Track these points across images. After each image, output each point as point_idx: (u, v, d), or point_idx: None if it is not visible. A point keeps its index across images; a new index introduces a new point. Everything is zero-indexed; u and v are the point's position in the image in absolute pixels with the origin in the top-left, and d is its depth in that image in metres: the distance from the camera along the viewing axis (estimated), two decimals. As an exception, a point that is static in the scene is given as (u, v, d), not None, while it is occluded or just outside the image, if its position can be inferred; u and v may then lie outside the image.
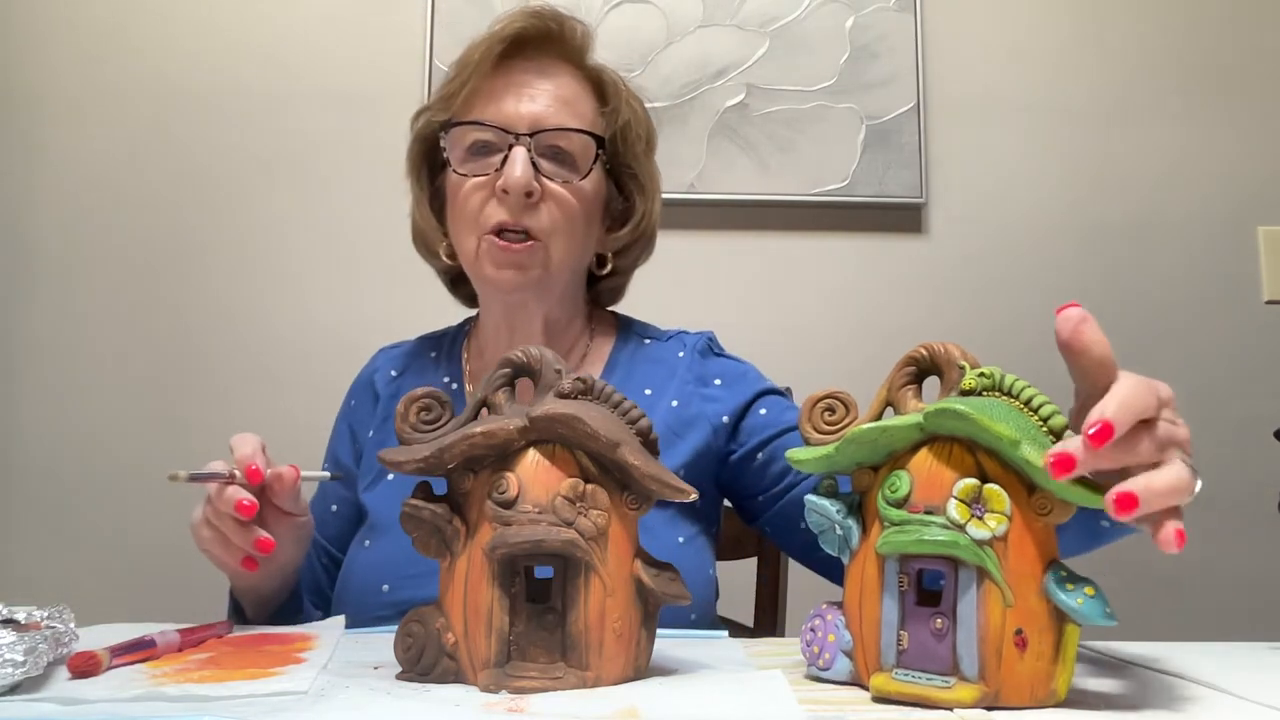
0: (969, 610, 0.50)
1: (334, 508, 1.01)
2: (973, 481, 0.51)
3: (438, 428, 0.60)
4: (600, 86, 0.99)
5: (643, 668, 0.58)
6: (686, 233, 1.75)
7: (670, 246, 1.79)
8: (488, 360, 1.01)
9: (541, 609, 0.55)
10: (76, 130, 1.77)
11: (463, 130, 0.94)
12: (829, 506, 0.56)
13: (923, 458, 0.53)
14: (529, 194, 0.90)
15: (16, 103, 1.78)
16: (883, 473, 0.55)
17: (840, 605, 0.57)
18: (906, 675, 0.51)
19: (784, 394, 1.01)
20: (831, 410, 0.59)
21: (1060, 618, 0.50)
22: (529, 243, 0.91)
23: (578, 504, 0.55)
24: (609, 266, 1.02)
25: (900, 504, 0.52)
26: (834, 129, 1.77)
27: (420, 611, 0.57)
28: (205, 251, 1.76)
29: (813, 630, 0.57)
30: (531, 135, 0.92)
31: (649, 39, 1.78)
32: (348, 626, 0.77)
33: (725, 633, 0.77)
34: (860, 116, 1.77)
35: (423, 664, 0.56)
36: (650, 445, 0.61)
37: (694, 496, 0.58)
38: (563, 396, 0.59)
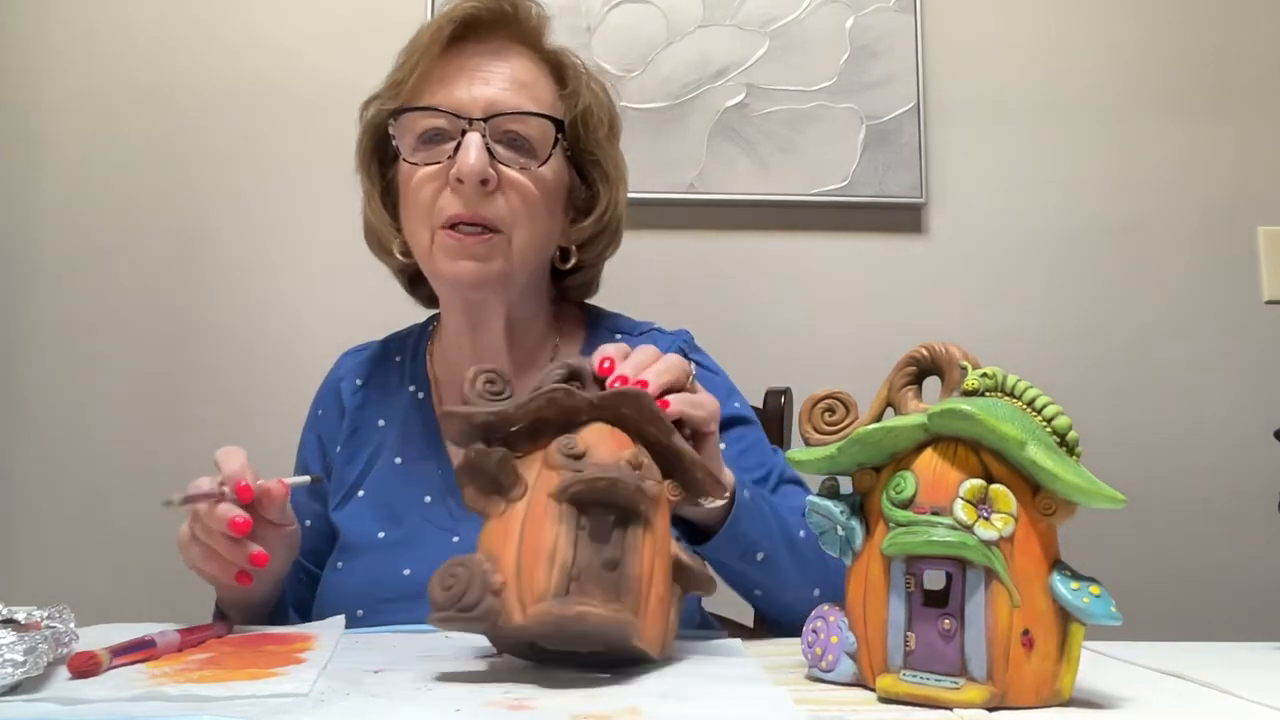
0: (977, 611, 0.50)
1: (308, 523, 0.96)
2: (979, 482, 0.51)
3: (501, 400, 0.63)
4: (559, 69, 0.94)
5: (669, 645, 0.60)
6: (686, 233, 1.75)
7: (670, 246, 1.79)
8: (452, 364, 0.97)
9: (602, 548, 0.56)
10: (76, 130, 1.77)
11: (413, 117, 0.89)
12: (832, 507, 0.56)
13: (927, 459, 0.53)
14: (485, 182, 0.85)
15: (16, 103, 1.77)
16: (885, 473, 0.55)
17: (842, 606, 0.57)
18: (914, 676, 0.51)
19: (751, 422, 0.96)
20: (832, 411, 0.59)
21: (1065, 617, 0.50)
22: (486, 235, 0.87)
23: (639, 470, 0.59)
24: (573, 260, 0.96)
25: (905, 505, 0.52)
26: (834, 129, 1.76)
27: (463, 558, 0.57)
28: (207, 253, 1.76)
29: (815, 632, 0.57)
30: (486, 120, 0.86)
31: (649, 39, 1.78)
32: None
33: (725, 633, 0.77)
34: (860, 116, 1.77)
35: (465, 601, 0.55)
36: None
37: (721, 502, 0.62)
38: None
